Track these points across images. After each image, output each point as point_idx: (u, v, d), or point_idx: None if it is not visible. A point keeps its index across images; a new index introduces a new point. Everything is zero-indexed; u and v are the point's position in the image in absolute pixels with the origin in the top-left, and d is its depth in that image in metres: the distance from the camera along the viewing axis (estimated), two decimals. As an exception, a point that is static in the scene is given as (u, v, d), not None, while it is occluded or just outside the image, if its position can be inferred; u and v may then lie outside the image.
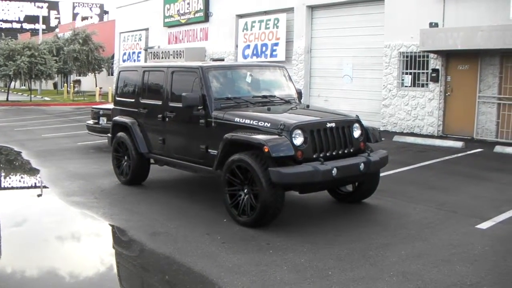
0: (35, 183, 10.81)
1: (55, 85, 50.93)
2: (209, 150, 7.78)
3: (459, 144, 14.06)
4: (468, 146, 13.95)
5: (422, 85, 16.59)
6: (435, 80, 16.01)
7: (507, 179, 10.15)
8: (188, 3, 27.09)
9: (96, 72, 42.37)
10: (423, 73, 16.56)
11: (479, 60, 15.06)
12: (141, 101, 9.25)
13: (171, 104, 8.51)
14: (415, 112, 16.69)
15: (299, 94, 9.03)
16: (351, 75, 19.09)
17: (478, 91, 15.14)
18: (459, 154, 12.95)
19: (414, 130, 16.69)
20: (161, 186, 9.57)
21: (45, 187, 9.96)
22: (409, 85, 16.96)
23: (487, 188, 9.38)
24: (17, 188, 10.72)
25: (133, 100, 9.49)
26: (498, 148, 13.36)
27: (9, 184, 11.03)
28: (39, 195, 9.77)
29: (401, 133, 16.46)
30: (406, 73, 17.06)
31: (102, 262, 6.22)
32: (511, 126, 14.58)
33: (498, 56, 14.64)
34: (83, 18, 67.14)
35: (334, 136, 7.15)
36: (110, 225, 7.40)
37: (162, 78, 8.83)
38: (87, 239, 7.11)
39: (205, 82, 7.87)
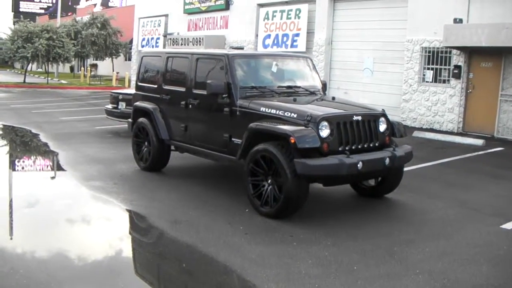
0: (54, 166, 10.81)
1: (71, 68, 51.12)
2: (233, 139, 7.70)
3: (479, 142, 13.90)
4: (489, 144, 13.78)
5: (444, 81, 16.40)
6: (457, 76, 15.82)
7: (530, 179, 10.02)
8: (209, -9, 26.95)
9: (114, 56, 42.45)
10: (445, 69, 16.35)
11: (503, 57, 14.86)
12: (164, 87, 9.18)
13: (195, 91, 8.42)
14: (435, 108, 16.52)
15: (324, 85, 8.91)
16: (372, 68, 18.91)
17: (501, 89, 14.95)
18: (480, 152, 12.79)
19: (433, 126, 16.52)
20: (181, 174, 9.53)
21: (63, 170, 9.94)
22: (430, 80, 16.78)
23: (508, 188, 9.25)
24: (35, 170, 10.71)
25: (155, 86, 9.42)
26: (519, 148, 13.21)
27: (28, 166, 11.02)
28: (58, 179, 9.77)
29: (421, 129, 16.30)
30: (428, 69, 16.86)
31: (121, 248, 6.19)
32: (533, 125, 14.41)
33: (523, 54, 14.45)
34: (103, 4, 67.13)
35: (360, 129, 7.05)
36: (130, 211, 7.36)
37: (186, 65, 8.74)
38: (106, 224, 7.08)
39: (231, 70, 7.77)
